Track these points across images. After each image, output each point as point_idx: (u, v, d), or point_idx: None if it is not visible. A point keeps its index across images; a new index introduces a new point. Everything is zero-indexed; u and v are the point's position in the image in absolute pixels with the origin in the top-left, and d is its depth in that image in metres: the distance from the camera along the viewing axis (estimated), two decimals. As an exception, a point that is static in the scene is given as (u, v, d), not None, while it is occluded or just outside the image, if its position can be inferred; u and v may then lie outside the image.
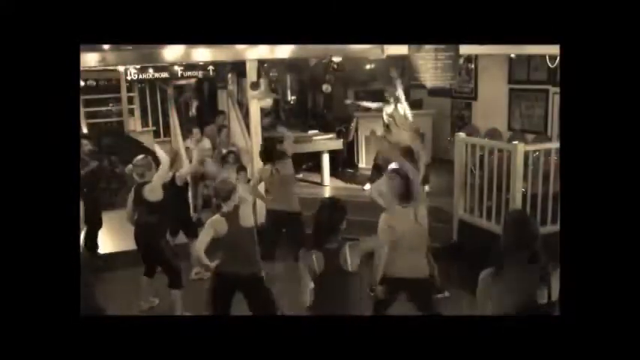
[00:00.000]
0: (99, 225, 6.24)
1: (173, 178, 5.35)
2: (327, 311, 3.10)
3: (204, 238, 3.85)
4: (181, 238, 5.69)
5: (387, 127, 7.15)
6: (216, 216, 3.92)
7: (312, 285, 3.30)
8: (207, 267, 3.93)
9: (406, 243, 3.74)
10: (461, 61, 7.85)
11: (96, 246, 6.22)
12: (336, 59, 7.19)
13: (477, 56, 8.33)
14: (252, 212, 4.02)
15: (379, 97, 7.65)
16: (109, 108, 9.46)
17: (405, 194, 3.82)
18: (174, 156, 5.69)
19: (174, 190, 5.25)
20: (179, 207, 5.51)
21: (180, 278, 4.91)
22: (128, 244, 5.41)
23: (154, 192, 4.70)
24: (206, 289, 4.09)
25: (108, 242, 6.42)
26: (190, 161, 6.49)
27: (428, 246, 4.05)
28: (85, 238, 5.98)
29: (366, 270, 3.30)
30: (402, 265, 3.74)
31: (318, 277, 3.12)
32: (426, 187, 7.02)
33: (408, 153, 4.99)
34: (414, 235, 3.79)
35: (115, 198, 6.71)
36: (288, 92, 10.31)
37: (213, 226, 3.86)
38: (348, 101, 8.63)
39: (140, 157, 4.88)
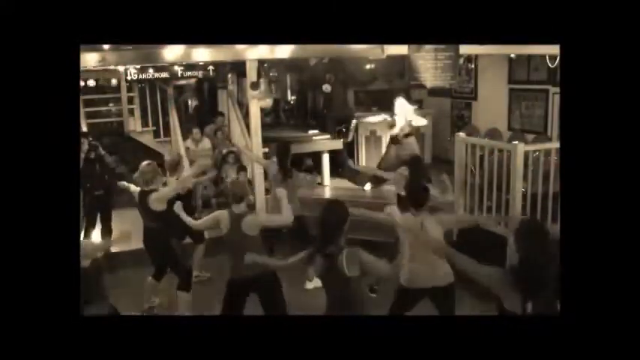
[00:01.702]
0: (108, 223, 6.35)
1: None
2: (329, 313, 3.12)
3: (204, 222, 4.19)
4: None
5: (394, 137, 7.10)
6: (226, 211, 3.96)
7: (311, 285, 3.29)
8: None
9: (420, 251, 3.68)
10: (461, 61, 7.84)
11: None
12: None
13: (476, 56, 8.32)
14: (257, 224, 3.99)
15: (379, 97, 7.63)
16: (108, 108, 9.45)
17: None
18: (177, 160, 5.64)
19: (177, 198, 5.17)
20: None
21: (190, 280, 4.88)
22: (129, 244, 5.40)
23: (159, 203, 4.66)
24: (222, 298, 4.02)
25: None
26: (190, 163, 6.47)
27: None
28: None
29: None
30: (419, 274, 3.69)
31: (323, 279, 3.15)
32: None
33: (417, 161, 5.08)
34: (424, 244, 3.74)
35: (116, 198, 6.69)
36: (288, 92, 10.30)
37: (218, 217, 3.96)
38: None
39: (145, 163, 4.79)
